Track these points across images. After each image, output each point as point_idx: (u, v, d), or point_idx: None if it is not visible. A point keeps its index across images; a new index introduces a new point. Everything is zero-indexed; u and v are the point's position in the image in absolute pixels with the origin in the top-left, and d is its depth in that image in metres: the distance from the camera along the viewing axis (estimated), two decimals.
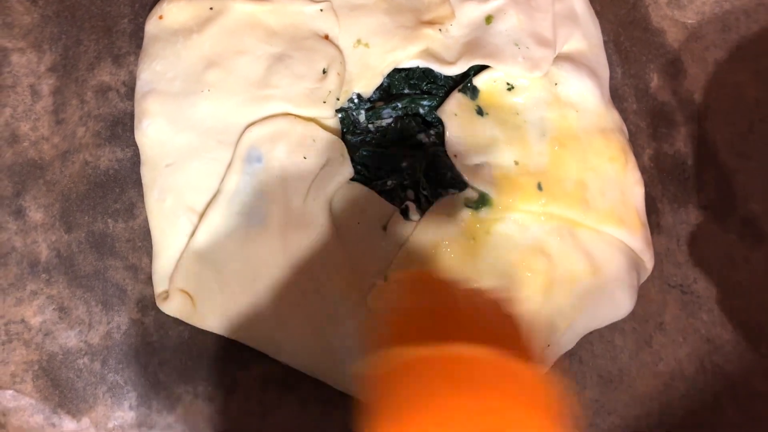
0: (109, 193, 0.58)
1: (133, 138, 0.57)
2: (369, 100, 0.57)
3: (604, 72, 0.61)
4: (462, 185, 0.55)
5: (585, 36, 0.60)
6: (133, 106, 0.57)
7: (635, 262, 0.57)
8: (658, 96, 0.64)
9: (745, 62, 0.65)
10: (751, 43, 0.65)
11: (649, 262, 0.58)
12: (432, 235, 0.54)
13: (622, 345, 0.59)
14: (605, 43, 0.63)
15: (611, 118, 0.59)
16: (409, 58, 0.57)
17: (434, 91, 0.58)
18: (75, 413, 0.55)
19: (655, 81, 0.64)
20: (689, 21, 0.65)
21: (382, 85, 0.57)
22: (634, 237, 0.57)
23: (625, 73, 0.64)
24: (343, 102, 0.57)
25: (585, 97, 0.58)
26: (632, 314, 0.58)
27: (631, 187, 0.58)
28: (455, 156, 0.55)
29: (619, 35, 0.65)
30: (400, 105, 0.57)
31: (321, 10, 0.57)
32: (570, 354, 0.58)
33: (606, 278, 0.56)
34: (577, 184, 0.56)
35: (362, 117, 0.57)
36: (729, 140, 0.63)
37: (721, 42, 0.65)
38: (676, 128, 0.64)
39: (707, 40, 0.65)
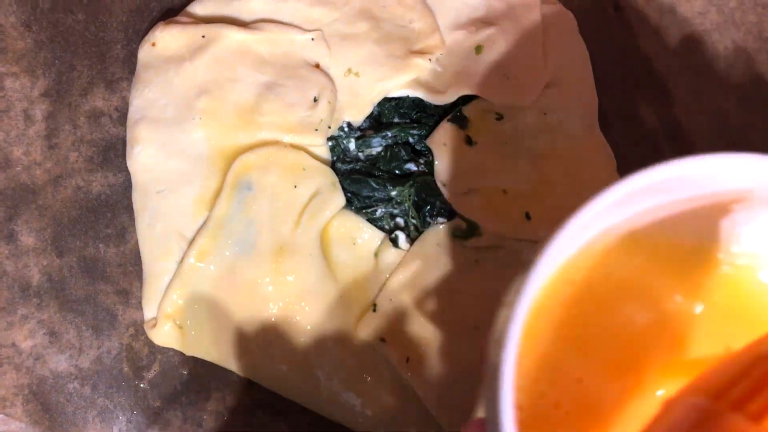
0: (100, 218, 0.58)
1: (125, 163, 0.57)
2: (359, 128, 0.57)
3: (592, 99, 0.61)
4: (451, 214, 0.55)
5: (573, 65, 0.60)
6: (125, 131, 0.58)
7: None
8: (645, 122, 0.64)
9: (730, 89, 0.65)
10: (735, 71, 0.65)
11: None
12: (421, 265, 0.54)
13: None
14: (593, 71, 0.62)
15: (599, 145, 0.59)
16: (399, 87, 0.57)
17: (424, 120, 0.58)
18: None
19: (641, 108, 0.64)
20: (675, 49, 0.66)
21: (372, 113, 0.57)
22: None
23: (612, 100, 0.64)
24: (333, 130, 0.57)
25: (573, 125, 0.58)
26: None
27: None
28: (444, 185, 0.55)
29: (607, 63, 0.65)
30: (389, 134, 0.57)
31: (312, 39, 0.57)
32: None
33: None
34: (565, 212, 0.56)
35: (352, 145, 0.57)
36: None
37: (707, 70, 0.65)
38: (662, 154, 0.64)
39: (693, 68, 0.65)
